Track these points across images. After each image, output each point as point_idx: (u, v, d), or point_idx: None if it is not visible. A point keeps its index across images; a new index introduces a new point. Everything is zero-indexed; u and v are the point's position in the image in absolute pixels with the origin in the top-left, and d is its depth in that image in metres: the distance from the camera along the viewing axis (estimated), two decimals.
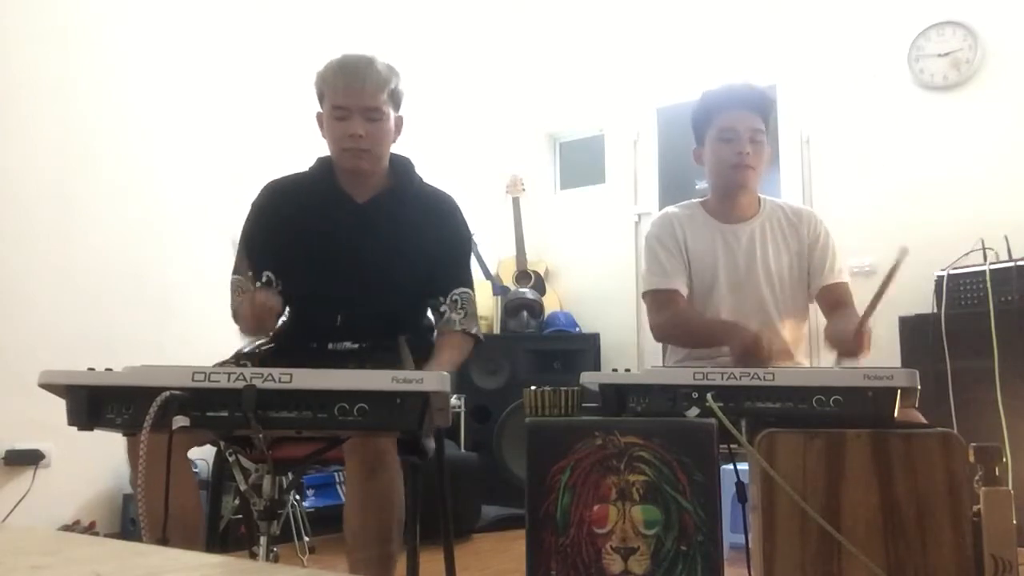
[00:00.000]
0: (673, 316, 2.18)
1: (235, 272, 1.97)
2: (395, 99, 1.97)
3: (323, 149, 2.04)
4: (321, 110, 1.99)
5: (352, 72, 1.90)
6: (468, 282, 2.05)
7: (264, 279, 1.94)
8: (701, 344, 2.16)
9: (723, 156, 2.16)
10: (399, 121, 2.00)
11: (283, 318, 2.03)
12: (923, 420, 1.72)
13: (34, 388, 1.27)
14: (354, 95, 1.90)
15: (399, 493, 1.74)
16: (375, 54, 1.96)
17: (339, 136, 1.92)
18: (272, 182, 2.05)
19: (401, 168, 2.04)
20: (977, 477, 1.29)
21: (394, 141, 2.01)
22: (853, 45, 3.96)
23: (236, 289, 1.95)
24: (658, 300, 2.22)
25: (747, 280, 2.19)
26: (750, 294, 2.18)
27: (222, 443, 1.52)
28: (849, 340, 1.93)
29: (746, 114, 2.15)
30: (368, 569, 1.69)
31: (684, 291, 2.19)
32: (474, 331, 2.00)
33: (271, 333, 1.92)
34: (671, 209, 2.34)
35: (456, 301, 1.99)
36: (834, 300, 2.24)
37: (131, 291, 3.18)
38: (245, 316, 1.81)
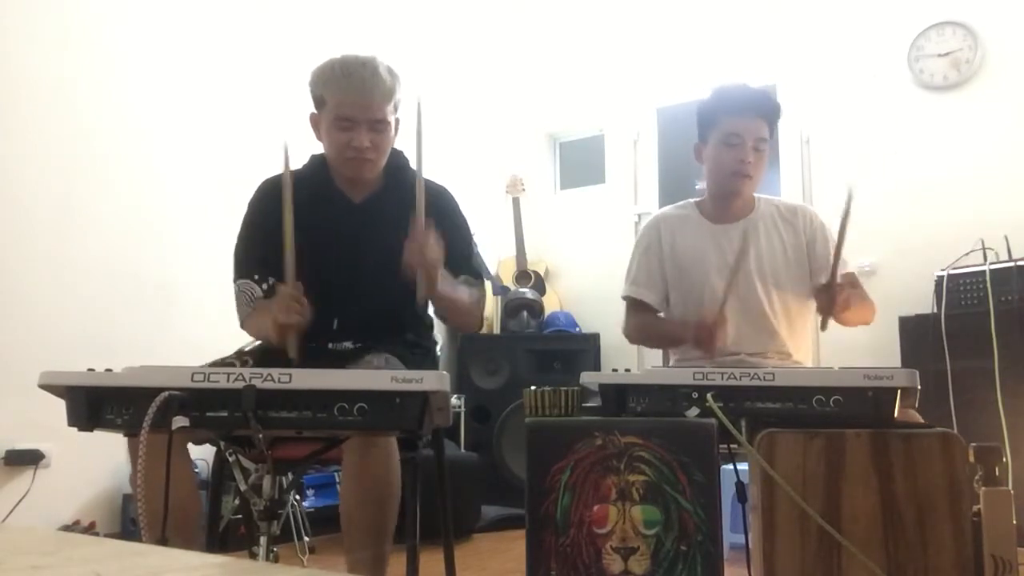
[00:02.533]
0: (638, 324, 2.33)
1: (238, 277, 1.96)
2: (397, 106, 1.97)
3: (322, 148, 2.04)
4: (316, 112, 1.97)
5: (359, 84, 1.87)
6: (474, 272, 2.04)
7: (271, 284, 1.92)
8: (665, 346, 2.35)
9: (724, 161, 2.15)
10: (397, 124, 2.00)
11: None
12: (921, 420, 1.71)
13: (34, 388, 1.27)
14: (362, 108, 1.87)
15: (396, 471, 1.72)
16: (375, 56, 1.94)
17: (342, 145, 1.90)
18: (267, 180, 2.04)
19: (396, 164, 2.03)
20: (977, 477, 1.29)
21: (392, 144, 2.01)
22: (853, 45, 3.96)
23: (243, 296, 1.93)
24: (630, 306, 2.35)
25: (741, 279, 2.18)
26: (744, 293, 2.18)
27: (222, 443, 1.52)
28: (824, 292, 1.98)
29: (754, 121, 2.13)
30: (363, 560, 1.69)
31: (654, 301, 2.30)
32: (480, 302, 2.03)
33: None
34: (664, 210, 2.39)
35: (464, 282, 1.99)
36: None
37: (131, 291, 3.18)
38: (268, 326, 1.73)
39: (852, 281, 2.19)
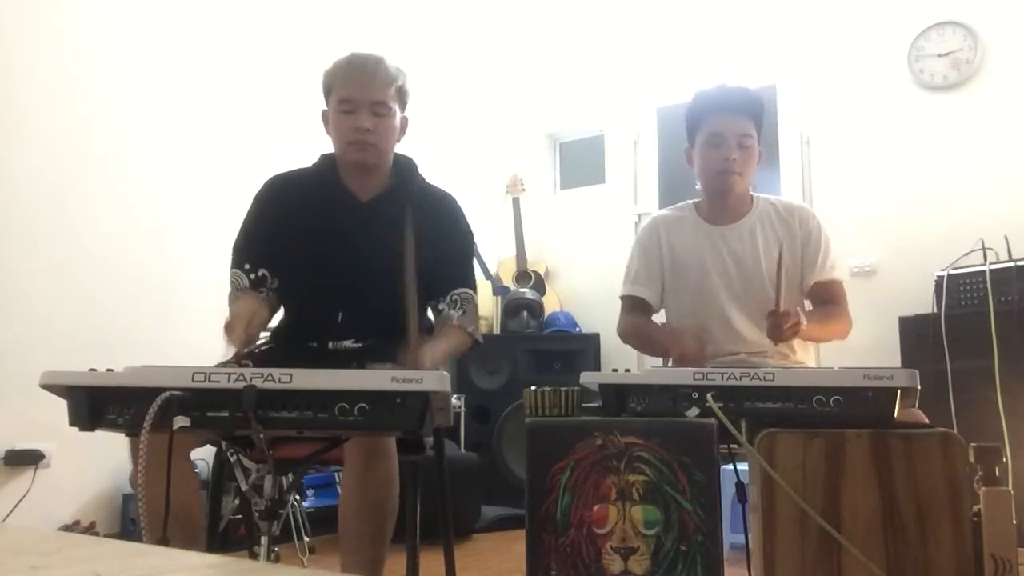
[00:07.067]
0: (631, 323, 2.29)
1: (233, 266, 1.98)
2: (402, 97, 1.98)
3: (325, 148, 2.05)
4: (327, 107, 1.99)
5: (361, 66, 1.93)
6: (469, 282, 2.05)
7: (260, 275, 1.94)
8: (653, 353, 2.27)
9: (710, 161, 2.17)
10: (404, 121, 2.01)
11: (278, 318, 2.04)
12: (925, 420, 1.71)
13: (34, 388, 1.27)
14: (363, 88, 1.91)
15: (395, 482, 1.74)
16: (383, 55, 1.98)
17: (345, 129, 1.93)
18: (275, 176, 2.06)
19: (404, 168, 2.05)
20: (977, 477, 1.29)
21: (398, 141, 2.02)
22: (853, 45, 3.96)
23: (233, 284, 1.96)
24: (625, 305, 2.32)
25: (739, 281, 2.18)
26: (743, 295, 2.18)
27: (223, 443, 1.52)
28: (772, 317, 1.96)
29: (736, 118, 2.15)
30: (360, 562, 1.70)
31: (652, 299, 2.28)
32: (470, 330, 2.00)
33: (254, 344, 1.84)
34: (662, 213, 2.39)
35: (455, 300, 1.99)
36: (825, 298, 2.22)
37: (131, 291, 3.18)
38: (226, 328, 1.73)
39: (828, 297, 2.20)
